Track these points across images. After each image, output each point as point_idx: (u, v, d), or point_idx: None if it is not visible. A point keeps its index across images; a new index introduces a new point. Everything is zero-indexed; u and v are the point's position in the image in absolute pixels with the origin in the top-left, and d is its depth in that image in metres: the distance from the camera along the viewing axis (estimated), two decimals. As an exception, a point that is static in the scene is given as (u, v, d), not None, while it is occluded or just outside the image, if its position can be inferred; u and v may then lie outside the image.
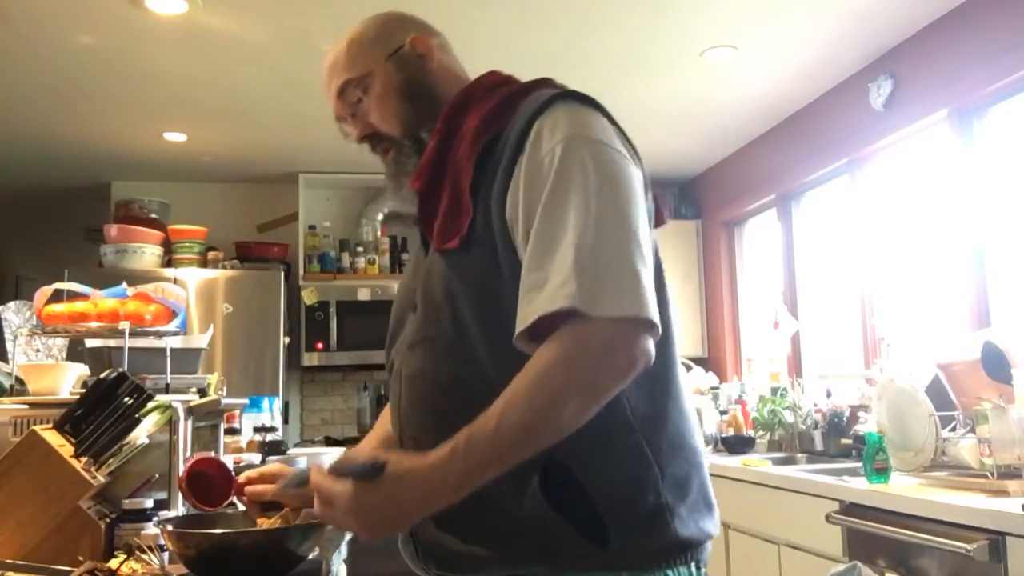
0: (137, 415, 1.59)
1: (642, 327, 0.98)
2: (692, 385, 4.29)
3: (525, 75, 1.28)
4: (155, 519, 1.51)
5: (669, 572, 1.04)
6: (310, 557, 1.40)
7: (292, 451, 2.84)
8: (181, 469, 1.66)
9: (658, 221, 1.20)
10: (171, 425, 1.66)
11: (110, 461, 1.55)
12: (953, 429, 2.49)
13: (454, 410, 1.04)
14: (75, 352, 2.30)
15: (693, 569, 1.07)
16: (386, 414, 1.36)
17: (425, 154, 1.19)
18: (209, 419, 2.14)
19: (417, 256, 1.24)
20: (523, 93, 1.17)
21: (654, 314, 0.98)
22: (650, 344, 0.99)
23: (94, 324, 1.98)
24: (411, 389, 1.14)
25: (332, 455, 2.86)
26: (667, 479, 1.05)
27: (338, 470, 0.99)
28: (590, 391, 0.98)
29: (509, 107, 1.14)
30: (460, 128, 1.16)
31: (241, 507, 1.74)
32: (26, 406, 1.76)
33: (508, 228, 1.07)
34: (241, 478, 1.33)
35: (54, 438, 1.55)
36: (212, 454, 2.12)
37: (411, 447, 1.12)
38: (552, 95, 1.11)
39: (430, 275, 1.14)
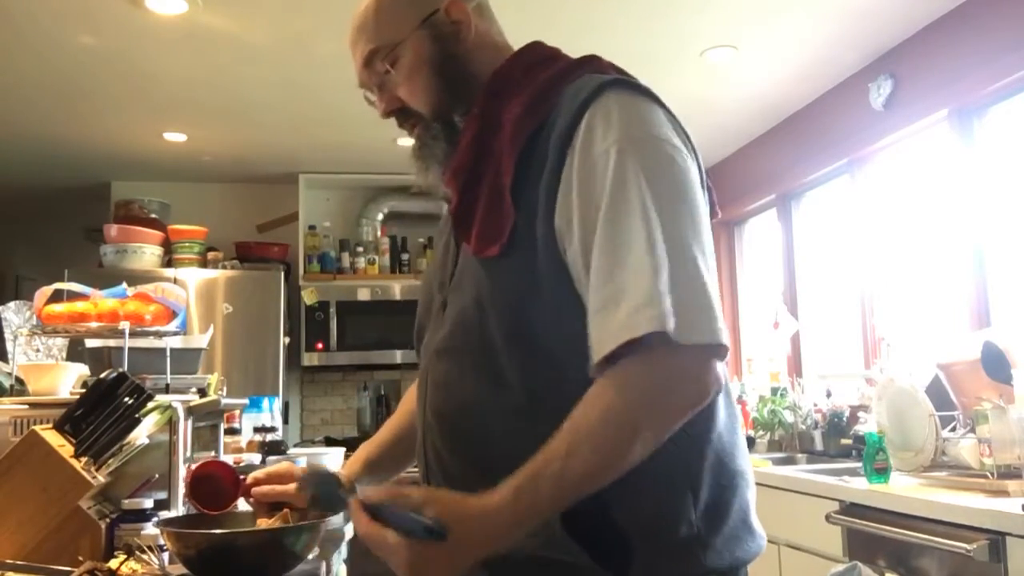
0: (137, 415, 1.59)
1: (716, 353, 0.91)
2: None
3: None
4: (155, 519, 1.51)
5: None
6: (310, 557, 1.40)
7: (292, 451, 2.84)
8: (181, 469, 1.66)
9: (712, 214, 1.12)
10: (171, 425, 1.66)
11: (110, 461, 1.55)
12: (953, 429, 2.49)
13: (478, 433, 1.01)
14: (75, 352, 2.30)
15: None
16: (406, 401, 1.33)
17: (461, 146, 1.08)
18: (209, 419, 2.14)
19: (447, 243, 1.13)
20: (567, 75, 1.05)
21: (726, 338, 0.91)
22: (720, 370, 0.92)
23: (94, 324, 1.99)
24: (435, 399, 1.07)
25: (332, 455, 2.86)
26: (702, 507, 0.97)
27: (391, 518, 0.89)
28: (661, 425, 0.90)
29: (552, 93, 1.02)
30: (500, 116, 1.04)
31: (243, 507, 1.74)
32: (26, 406, 1.76)
33: (555, 235, 0.97)
34: (249, 479, 1.31)
35: (54, 438, 1.55)
36: (213, 455, 2.12)
37: (432, 458, 1.08)
38: (602, 82, 1.00)
39: (462, 278, 1.05)
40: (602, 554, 0.94)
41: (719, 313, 0.91)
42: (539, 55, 1.12)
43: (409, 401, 1.31)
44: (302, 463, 2.51)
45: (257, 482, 1.30)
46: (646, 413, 0.89)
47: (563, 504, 0.90)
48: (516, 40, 1.19)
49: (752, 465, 1.13)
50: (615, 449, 0.89)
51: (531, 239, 0.97)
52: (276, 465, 1.29)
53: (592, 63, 1.09)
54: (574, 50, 1.16)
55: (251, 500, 1.31)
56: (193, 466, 1.42)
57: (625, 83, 1.01)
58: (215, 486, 1.34)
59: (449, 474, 1.06)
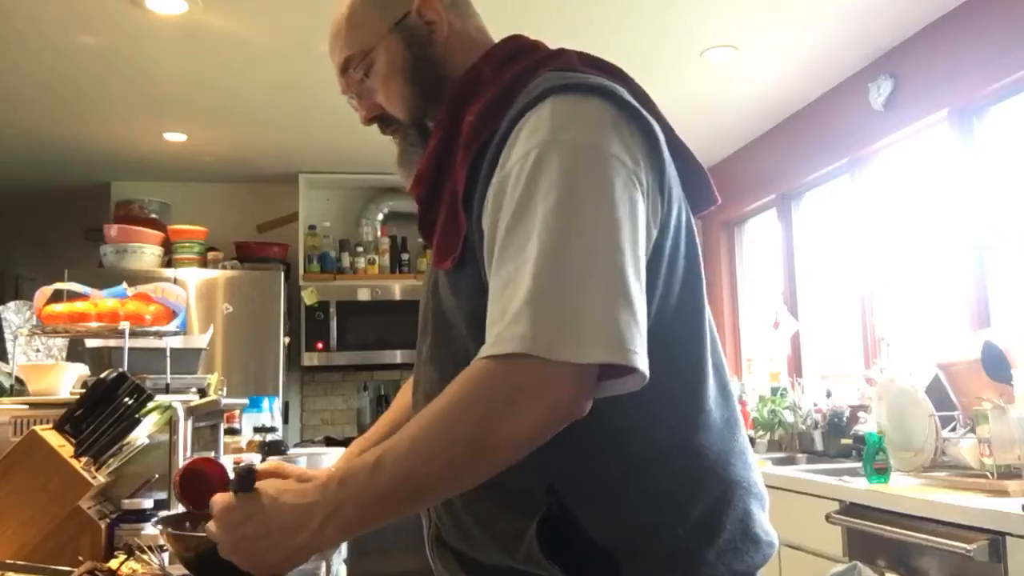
0: (137, 415, 1.59)
1: (584, 373, 0.82)
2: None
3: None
4: (154, 519, 1.51)
5: None
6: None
7: (292, 451, 2.84)
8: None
9: (706, 202, 1.07)
10: (171, 425, 1.66)
11: (110, 461, 1.55)
12: (953, 429, 2.49)
13: None
14: (75, 352, 2.30)
15: None
16: (401, 397, 1.30)
17: (426, 154, 1.05)
18: (209, 419, 2.14)
19: (429, 266, 1.11)
20: (527, 77, 0.99)
21: (607, 355, 0.81)
22: (584, 388, 0.83)
23: (94, 324, 1.98)
24: (422, 405, 1.08)
25: (332, 455, 2.86)
26: (692, 521, 0.93)
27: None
28: (489, 435, 0.82)
29: (509, 97, 0.97)
30: (460, 123, 1.01)
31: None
32: (26, 406, 1.76)
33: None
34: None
35: (54, 438, 1.55)
36: (213, 455, 2.12)
37: None
38: (545, 89, 0.93)
39: (435, 289, 1.03)
40: (581, 573, 0.91)
41: (607, 331, 0.81)
42: (512, 50, 1.07)
43: (404, 397, 1.29)
44: (302, 463, 2.51)
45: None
46: (477, 417, 0.82)
47: (379, 512, 0.84)
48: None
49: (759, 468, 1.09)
50: (435, 451, 0.83)
51: (477, 250, 0.94)
52: (267, 462, 1.25)
53: (559, 58, 1.03)
54: (575, 49, 1.15)
55: None
56: (181, 464, 1.39)
57: (570, 87, 0.93)
58: (205, 484, 1.30)
59: None
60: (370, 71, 1.10)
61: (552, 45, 1.10)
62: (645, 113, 0.96)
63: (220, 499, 0.90)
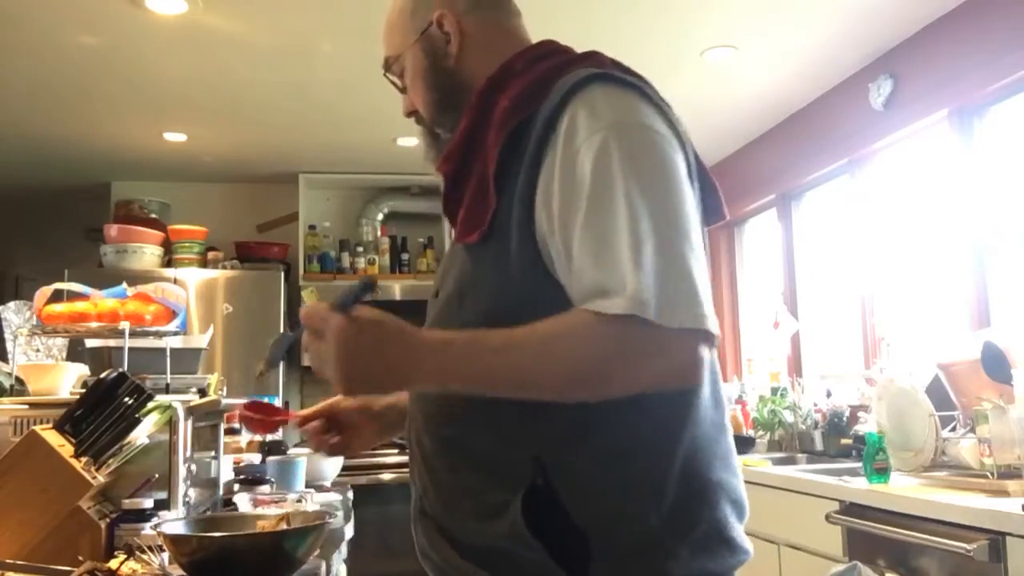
0: (137, 415, 1.59)
1: (701, 338, 0.89)
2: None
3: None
4: (153, 521, 1.51)
5: None
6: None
7: (292, 451, 2.83)
8: (182, 469, 1.67)
9: (716, 217, 1.12)
10: (171, 425, 1.66)
11: (110, 461, 1.55)
12: (953, 429, 2.49)
13: (448, 412, 1.04)
14: (75, 352, 2.30)
15: None
16: None
17: (456, 134, 1.11)
18: (209, 419, 2.13)
19: (453, 241, 1.15)
20: (561, 70, 1.05)
21: (712, 324, 0.90)
22: (706, 359, 0.91)
23: (94, 324, 1.98)
24: None
25: (332, 456, 2.86)
26: (667, 514, 0.96)
27: (336, 301, 0.94)
28: (625, 379, 0.90)
29: (544, 86, 1.03)
30: (493, 108, 1.06)
31: (242, 508, 1.74)
32: (26, 406, 1.76)
33: (533, 223, 0.97)
34: (298, 417, 1.33)
35: (54, 438, 1.55)
36: (212, 455, 2.12)
37: (413, 437, 1.11)
38: (588, 75, 1.00)
39: (450, 266, 1.09)
40: (562, 552, 0.93)
41: (704, 299, 0.90)
42: (546, 50, 1.14)
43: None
44: (303, 463, 2.52)
45: (307, 419, 1.30)
46: (617, 359, 0.89)
47: (482, 384, 0.92)
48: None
49: (752, 465, 1.12)
50: (562, 373, 0.90)
51: (510, 228, 0.99)
52: (320, 404, 1.32)
53: (592, 58, 1.09)
54: (575, 49, 1.16)
55: (306, 434, 1.31)
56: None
57: (611, 76, 1.01)
58: (264, 413, 1.37)
59: (423, 454, 1.08)
60: (403, 73, 1.21)
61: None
62: (670, 113, 1.05)
63: (330, 317, 0.92)
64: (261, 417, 1.36)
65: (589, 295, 0.91)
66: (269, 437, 2.97)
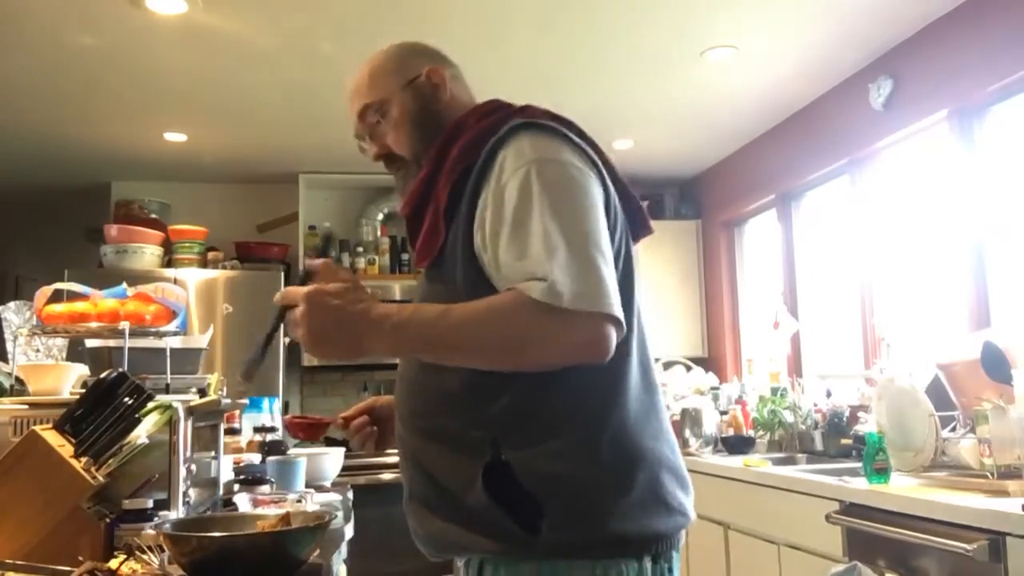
0: (137, 415, 1.59)
1: (607, 320, 1.08)
2: (691, 384, 4.29)
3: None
4: (154, 521, 1.51)
5: (609, 564, 1.12)
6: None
7: (292, 451, 2.83)
8: (182, 469, 1.66)
9: (644, 231, 1.33)
10: (171, 425, 1.66)
11: (110, 461, 1.55)
12: (953, 429, 2.49)
13: (422, 408, 1.25)
14: (75, 352, 2.29)
15: (648, 564, 1.14)
16: None
17: (415, 181, 1.32)
18: (209, 419, 2.13)
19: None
20: (501, 123, 1.25)
21: (617, 311, 1.08)
22: (611, 337, 1.08)
23: (94, 324, 1.98)
24: (400, 390, 1.33)
25: (333, 455, 2.86)
26: (605, 477, 1.13)
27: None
28: (539, 355, 1.10)
29: (486, 137, 1.24)
30: (446, 158, 1.27)
31: (242, 508, 1.74)
32: (26, 406, 1.76)
33: (472, 246, 1.18)
34: (340, 418, 1.51)
35: (54, 438, 1.55)
36: (213, 454, 2.12)
37: (399, 438, 1.31)
38: (517, 124, 1.22)
39: (418, 288, 1.32)
40: (520, 515, 1.11)
41: (609, 291, 1.09)
42: (491, 107, 1.35)
43: None
44: (303, 463, 2.51)
45: (349, 419, 1.50)
46: (535, 334, 1.08)
47: (423, 339, 1.11)
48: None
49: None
50: (490, 334, 1.10)
51: (454, 253, 1.20)
52: (361, 403, 1.52)
53: (526, 111, 1.30)
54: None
55: (348, 432, 1.51)
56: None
57: (536, 124, 1.23)
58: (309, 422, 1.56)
59: (407, 448, 1.28)
60: (384, 116, 1.38)
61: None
62: (590, 151, 1.25)
63: (300, 289, 1.15)
64: (310, 422, 1.55)
65: (515, 283, 1.10)
66: (269, 437, 2.97)
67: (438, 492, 1.20)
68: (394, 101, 1.36)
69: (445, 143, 1.30)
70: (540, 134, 1.21)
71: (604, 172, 1.25)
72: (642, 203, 1.34)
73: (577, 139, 1.24)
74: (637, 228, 1.33)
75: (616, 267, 1.17)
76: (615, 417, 1.16)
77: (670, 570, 1.18)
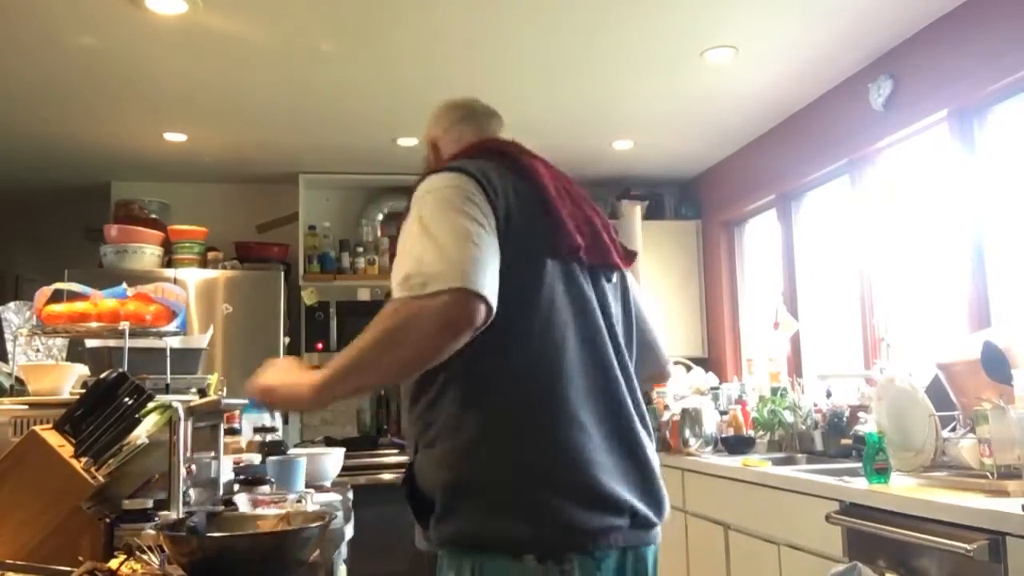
0: (137, 415, 1.59)
1: (458, 295, 1.22)
2: (691, 384, 4.28)
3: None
4: (154, 520, 1.51)
5: (464, 555, 1.30)
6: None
7: (292, 451, 2.83)
8: (181, 469, 1.66)
9: (564, 247, 1.42)
10: (171, 425, 1.66)
11: (110, 461, 1.55)
12: (953, 429, 2.49)
13: (408, 401, 1.44)
14: (75, 352, 2.30)
15: (532, 563, 1.26)
16: None
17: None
18: (209, 419, 2.13)
19: None
20: (431, 174, 1.47)
21: (471, 284, 1.22)
22: (471, 307, 1.23)
23: (94, 324, 1.99)
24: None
25: (333, 455, 2.86)
26: (460, 483, 1.30)
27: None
28: (415, 345, 1.25)
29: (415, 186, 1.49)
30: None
31: (242, 508, 1.74)
32: (26, 406, 1.76)
33: None
34: None
35: (54, 438, 1.55)
36: (212, 455, 2.11)
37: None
38: (431, 170, 1.47)
39: None
40: (419, 510, 1.35)
41: (464, 271, 1.23)
42: (467, 146, 1.59)
43: None
44: (303, 463, 2.51)
45: None
46: (401, 326, 1.25)
47: (341, 372, 1.28)
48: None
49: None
50: (376, 344, 1.27)
51: None
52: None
53: (478, 147, 1.57)
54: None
55: None
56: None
57: (448, 167, 1.44)
58: None
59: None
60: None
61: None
62: (485, 182, 1.40)
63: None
64: None
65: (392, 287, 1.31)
66: (269, 437, 2.97)
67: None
68: (428, 145, 1.76)
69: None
70: (444, 172, 1.42)
71: (503, 191, 1.41)
72: (570, 223, 1.46)
73: (480, 175, 1.40)
74: (557, 246, 1.42)
75: (508, 277, 1.31)
76: (472, 427, 1.31)
77: (567, 572, 1.27)
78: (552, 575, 1.26)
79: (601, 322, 1.43)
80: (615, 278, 1.55)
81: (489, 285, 1.24)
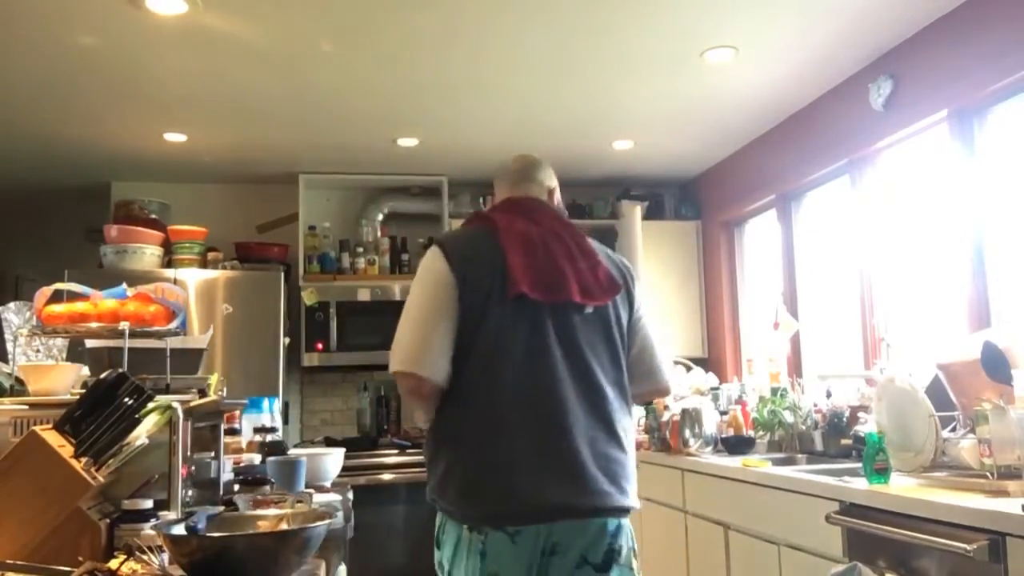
0: (137, 415, 1.59)
1: (403, 376, 1.79)
2: (691, 384, 4.28)
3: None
4: (154, 520, 1.51)
5: (448, 523, 1.79)
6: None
7: (292, 451, 2.83)
8: (181, 469, 1.66)
9: (509, 292, 1.77)
10: (171, 425, 1.66)
11: (110, 461, 1.55)
12: (953, 429, 2.49)
13: None
14: (75, 352, 2.29)
15: (465, 530, 1.73)
16: None
17: None
18: (209, 419, 2.13)
19: None
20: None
21: (403, 365, 1.77)
22: (418, 383, 1.77)
23: (94, 324, 1.98)
24: None
25: (333, 456, 2.86)
26: (438, 470, 1.79)
27: None
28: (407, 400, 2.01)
29: None
30: None
31: (242, 509, 1.74)
32: (26, 406, 1.76)
33: None
34: None
35: (54, 438, 1.55)
36: (212, 455, 2.11)
37: None
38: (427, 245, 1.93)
39: None
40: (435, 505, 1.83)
41: (410, 356, 1.77)
42: (492, 205, 2.02)
43: None
44: (303, 463, 2.51)
45: None
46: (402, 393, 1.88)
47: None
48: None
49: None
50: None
51: None
52: None
53: (487, 210, 2.01)
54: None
55: None
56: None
57: (433, 240, 1.89)
58: None
59: None
60: None
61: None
62: (450, 249, 1.83)
63: None
64: None
65: None
66: (269, 438, 2.97)
67: None
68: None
69: None
70: (430, 249, 1.87)
71: (471, 255, 1.81)
72: (522, 271, 1.79)
73: (451, 247, 1.83)
74: (504, 288, 1.77)
75: (466, 324, 1.76)
76: (444, 426, 1.80)
77: (484, 539, 1.70)
78: (475, 539, 1.72)
79: (555, 349, 1.77)
80: (589, 311, 1.83)
81: (430, 364, 1.74)
